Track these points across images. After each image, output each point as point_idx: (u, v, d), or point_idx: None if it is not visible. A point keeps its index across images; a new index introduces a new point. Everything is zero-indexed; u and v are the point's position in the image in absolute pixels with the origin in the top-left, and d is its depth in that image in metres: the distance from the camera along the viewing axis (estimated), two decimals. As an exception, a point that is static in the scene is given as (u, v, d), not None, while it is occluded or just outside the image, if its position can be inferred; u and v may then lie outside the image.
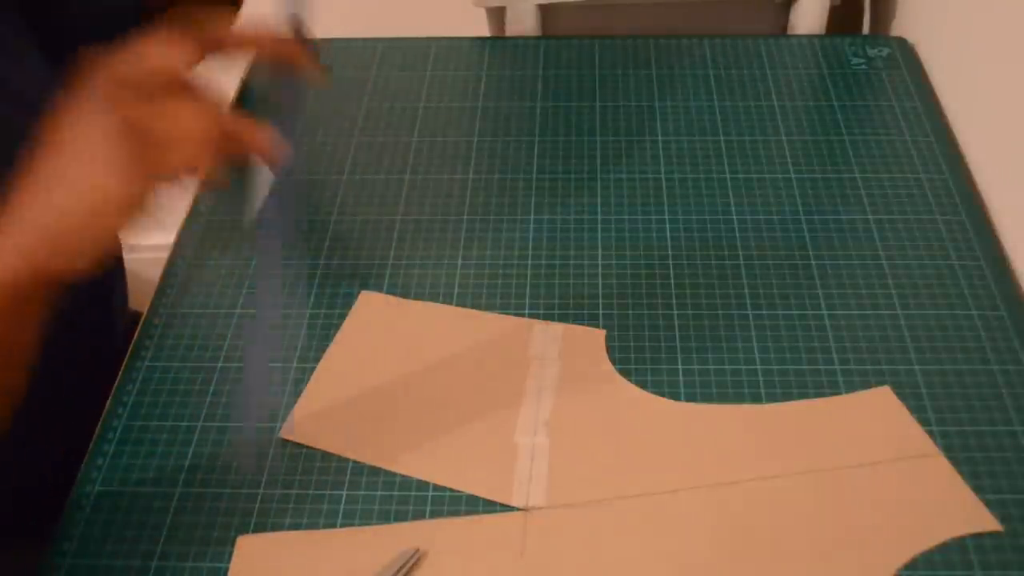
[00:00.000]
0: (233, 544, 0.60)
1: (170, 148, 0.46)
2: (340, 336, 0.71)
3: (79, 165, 0.46)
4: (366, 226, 0.80)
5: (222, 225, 0.81)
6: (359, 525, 0.60)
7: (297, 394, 0.67)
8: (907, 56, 0.95)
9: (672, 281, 0.74)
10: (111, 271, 0.79)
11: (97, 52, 0.47)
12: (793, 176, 0.82)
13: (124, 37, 0.47)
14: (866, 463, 0.62)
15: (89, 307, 0.75)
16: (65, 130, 0.47)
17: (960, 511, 0.59)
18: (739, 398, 0.66)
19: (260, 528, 0.61)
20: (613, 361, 0.69)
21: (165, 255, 0.79)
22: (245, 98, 0.94)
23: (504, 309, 0.72)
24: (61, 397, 0.68)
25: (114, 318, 0.80)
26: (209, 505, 0.62)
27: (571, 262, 0.76)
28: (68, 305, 0.52)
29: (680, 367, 0.68)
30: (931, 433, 0.64)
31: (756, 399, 0.66)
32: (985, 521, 0.59)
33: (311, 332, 0.71)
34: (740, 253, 0.76)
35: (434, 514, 0.61)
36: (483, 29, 1.09)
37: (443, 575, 0.58)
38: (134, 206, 0.47)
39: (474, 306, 0.73)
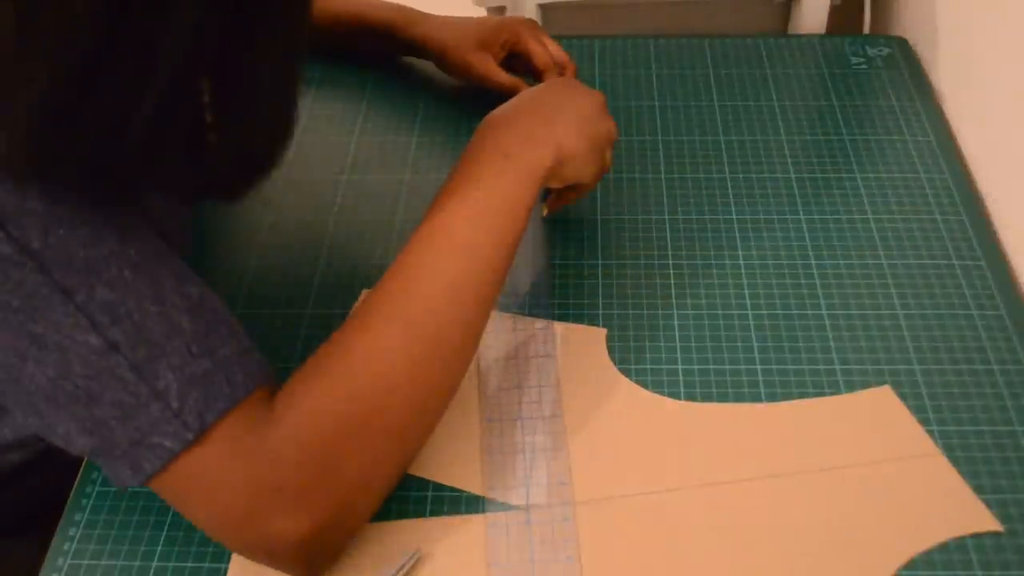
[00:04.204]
0: (233, 544, 0.60)
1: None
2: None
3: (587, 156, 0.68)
4: (366, 226, 0.79)
5: (222, 226, 0.81)
6: (359, 525, 0.61)
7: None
8: (907, 56, 0.95)
9: (672, 281, 0.74)
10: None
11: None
12: (793, 176, 0.82)
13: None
14: (866, 463, 0.62)
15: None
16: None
17: (960, 511, 0.60)
18: (739, 398, 0.66)
19: (260, 528, 0.61)
20: (613, 360, 0.69)
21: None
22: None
23: (504, 308, 0.72)
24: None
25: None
26: (209, 505, 0.62)
27: (571, 262, 0.76)
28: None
29: (680, 367, 0.68)
30: (931, 433, 0.64)
31: (756, 399, 0.66)
32: (985, 521, 0.59)
33: (310, 333, 0.71)
34: (740, 253, 0.76)
35: (434, 514, 0.61)
36: (483, 29, 1.09)
37: (443, 575, 0.58)
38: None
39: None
